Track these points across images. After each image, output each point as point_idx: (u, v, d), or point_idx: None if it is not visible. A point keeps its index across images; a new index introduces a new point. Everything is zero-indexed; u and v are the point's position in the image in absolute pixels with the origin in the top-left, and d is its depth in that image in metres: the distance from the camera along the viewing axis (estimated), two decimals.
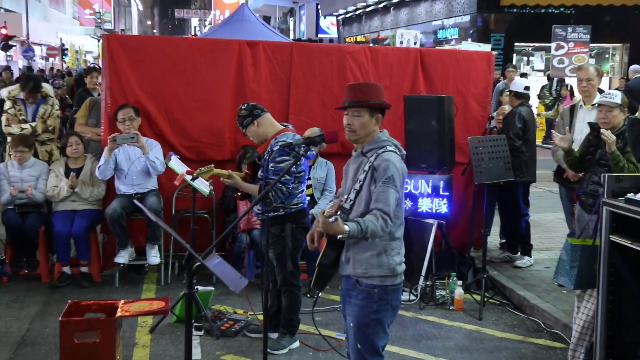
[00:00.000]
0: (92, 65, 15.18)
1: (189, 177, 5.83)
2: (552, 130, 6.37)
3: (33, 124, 6.87)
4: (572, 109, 6.59)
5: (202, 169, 5.07)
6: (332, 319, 5.84)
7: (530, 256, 7.30)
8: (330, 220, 3.25)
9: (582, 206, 5.22)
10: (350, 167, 3.71)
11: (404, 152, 3.67)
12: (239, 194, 5.20)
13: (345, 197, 3.61)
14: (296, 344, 5.28)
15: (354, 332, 3.61)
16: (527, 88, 7.29)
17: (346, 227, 3.30)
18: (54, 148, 7.05)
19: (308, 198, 6.34)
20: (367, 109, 3.53)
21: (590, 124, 5.32)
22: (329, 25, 38.85)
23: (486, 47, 12.66)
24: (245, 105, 5.07)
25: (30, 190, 6.51)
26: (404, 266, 3.63)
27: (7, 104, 6.94)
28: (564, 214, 7.07)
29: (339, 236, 3.39)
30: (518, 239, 7.36)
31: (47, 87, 7.20)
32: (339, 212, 3.30)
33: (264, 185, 4.89)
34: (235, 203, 6.66)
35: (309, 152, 5.11)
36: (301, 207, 5.12)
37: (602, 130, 4.90)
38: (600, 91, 6.27)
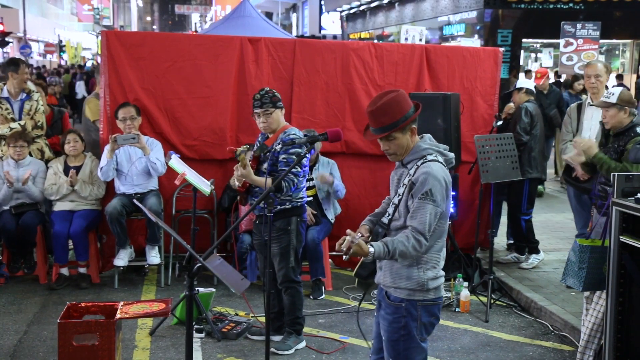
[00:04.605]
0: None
1: (188, 177, 5.75)
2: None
3: (22, 122, 6.76)
4: (580, 107, 6.47)
5: (244, 147, 4.92)
6: (336, 321, 5.78)
7: (538, 252, 7.16)
8: (344, 258, 3.23)
9: (595, 208, 5.09)
10: (394, 176, 3.58)
11: (451, 155, 3.49)
12: (242, 188, 5.07)
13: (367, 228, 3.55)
14: (302, 344, 5.23)
15: (386, 347, 3.50)
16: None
17: (371, 249, 3.21)
18: (44, 145, 6.95)
19: (311, 198, 6.28)
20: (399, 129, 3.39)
21: (602, 122, 5.20)
22: (333, 22, 38.74)
23: (475, 44, 12.50)
24: (275, 91, 5.07)
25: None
26: (440, 281, 3.45)
27: None
28: (572, 214, 6.94)
29: (363, 258, 3.37)
30: (521, 238, 7.23)
31: (29, 83, 7.06)
32: (351, 250, 3.20)
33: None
34: (230, 203, 6.57)
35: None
36: (305, 202, 5.19)
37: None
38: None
